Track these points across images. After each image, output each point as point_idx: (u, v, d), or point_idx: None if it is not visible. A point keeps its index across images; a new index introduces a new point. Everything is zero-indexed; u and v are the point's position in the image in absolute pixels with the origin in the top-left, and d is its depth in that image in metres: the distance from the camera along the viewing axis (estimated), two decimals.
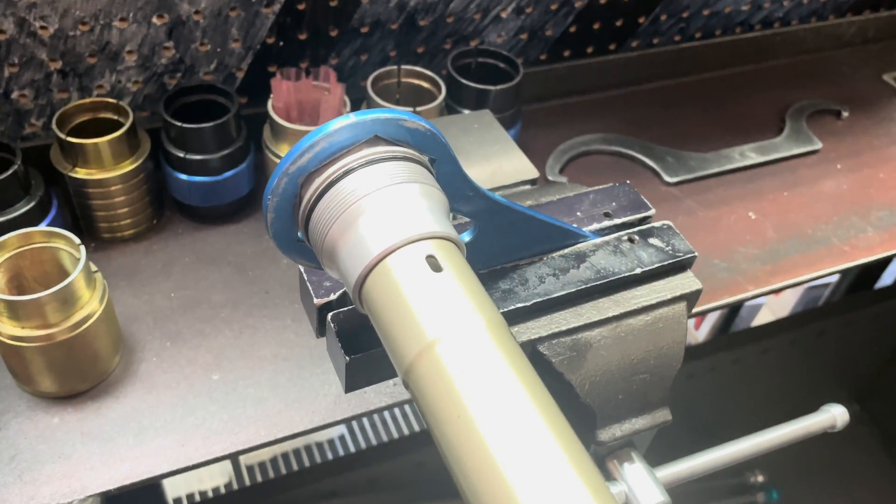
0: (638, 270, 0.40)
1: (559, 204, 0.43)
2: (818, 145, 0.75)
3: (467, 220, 0.37)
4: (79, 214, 0.57)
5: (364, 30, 0.68)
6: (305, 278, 0.38)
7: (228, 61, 0.65)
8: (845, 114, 0.80)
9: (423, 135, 0.31)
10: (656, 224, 0.43)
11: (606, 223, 0.42)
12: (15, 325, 0.45)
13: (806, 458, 1.19)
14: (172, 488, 1.04)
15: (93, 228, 0.58)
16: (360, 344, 0.35)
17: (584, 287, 0.39)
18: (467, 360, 0.26)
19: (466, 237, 0.37)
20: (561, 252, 0.40)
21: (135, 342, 0.52)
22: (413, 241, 0.28)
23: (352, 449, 1.15)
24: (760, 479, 1.13)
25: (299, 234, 0.32)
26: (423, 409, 0.27)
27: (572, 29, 0.78)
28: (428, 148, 0.32)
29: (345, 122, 0.29)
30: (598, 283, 0.39)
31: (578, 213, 0.43)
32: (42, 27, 0.56)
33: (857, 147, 0.76)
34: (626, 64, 0.81)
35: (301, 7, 0.64)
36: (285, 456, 1.14)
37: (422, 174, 0.30)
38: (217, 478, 1.08)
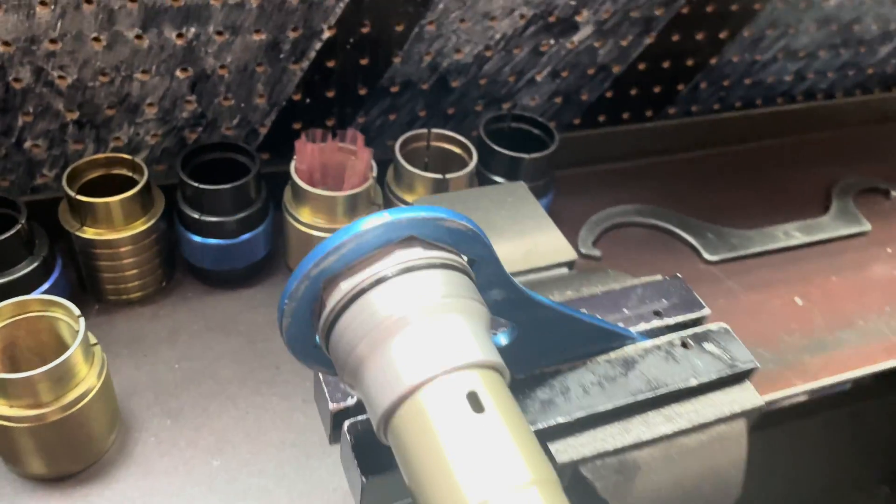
0: (693, 382, 0.36)
1: (603, 299, 0.39)
2: (867, 226, 0.71)
3: (503, 320, 0.33)
4: (84, 275, 0.54)
5: (394, 89, 0.66)
6: (321, 378, 0.34)
7: (252, 117, 0.62)
8: (894, 193, 0.76)
9: (464, 235, 0.27)
10: (712, 327, 0.39)
11: (656, 323, 0.38)
12: (3, 403, 0.41)
13: None
14: None
15: (98, 289, 0.55)
16: (380, 461, 0.31)
17: (632, 400, 0.35)
18: None
19: (503, 340, 0.34)
20: (607, 356, 0.36)
21: (132, 419, 0.48)
22: (452, 372, 0.24)
23: None
24: None
25: (318, 339, 0.29)
26: None
27: (609, 94, 0.75)
28: (469, 249, 0.28)
29: (378, 221, 0.26)
30: (649, 395, 0.35)
31: (625, 311, 0.39)
32: (60, 77, 0.54)
33: None
34: (664, 132, 0.77)
35: (330, 65, 0.61)
36: None
37: (463, 286, 0.26)
38: None
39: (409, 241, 0.26)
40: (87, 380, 0.43)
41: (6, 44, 0.51)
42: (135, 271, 0.54)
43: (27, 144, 0.57)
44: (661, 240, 0.68)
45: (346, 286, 0.26)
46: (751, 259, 0.67)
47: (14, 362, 0.44)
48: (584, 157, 0.74)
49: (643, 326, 0.38)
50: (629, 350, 0.37)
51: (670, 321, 0.39)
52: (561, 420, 0.33)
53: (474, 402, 0.24)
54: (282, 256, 0.61)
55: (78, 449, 0.44)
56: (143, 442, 0.47)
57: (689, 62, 0.76)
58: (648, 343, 0.37)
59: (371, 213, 0.26)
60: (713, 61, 0.77)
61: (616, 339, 0.37)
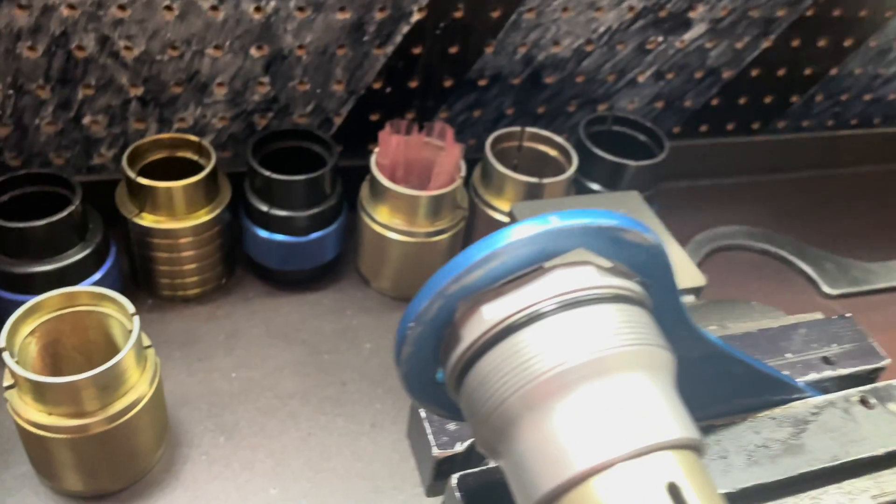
0: (880, 451, 0.29)
1: (759, 338, 0.32)
2: None
3: None
4: (138, 266, 0.49)
5: (482, 82, 0.59)
6: (423, 416, 0.27)
7: (327, 104, 0.57)
8: None
9: (644, 252, 0.21)
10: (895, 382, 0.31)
11: (828, 373, 0.31)
12: (41, 409, 0.35)
13: None
14: None
15: (152, 283, 0.49)
16: None
17: (807, 470, 0.28)
18: None
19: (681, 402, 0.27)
20: (771, 413, 0.29)
21: (182, 433, 0.43)
22: (643, 455, 0.17)
23: None
24: None
25: (440, 375, 0.22)
26: None
27: (714, 102, 0.67)
28: (644, 270, 0.22)
29: (541, 228, 0.19)
30: (828, 465, 0.28)
31: (788, 355, 0.32)
32: (126, 48, 0.49)
33: None
34: (773, 147, 0.70)
35: (417, 51, 0.55)
36: None
37: (647, 327, 0.20)
38: None
39: (577, 260, 0.20)
40: (138, 387, 0.37)
41: (71, 7, 0.46)
42: (193, 265, 0.49)
43: (86, 120, 0.52)
44: (774, 267, 0.60)
45: (492, 316, 0.19)
46: (876, 295, 0.59)
47: (57, 362, 0.39)
48: (684, 169, 0.67)
49: (812, 376, 0.31)
50: (798, 406, 0.30)
51: (844, 371, 0.31)
52: (721, 492, 0.26)
53: (676, 497, 0.17)
54: (352, 260, 0.55)
55: (120, 465, 0.39)
56: (193, 460, 0.42)
57: (808, 71, 0.68)
58: (821, 399, 0.30)
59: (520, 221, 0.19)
60: (833, 72, 0.69)
61: (782, 390, 0.30)
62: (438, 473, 0.27)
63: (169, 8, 0.48)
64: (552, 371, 0.18)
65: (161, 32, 0.49)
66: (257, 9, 0.50)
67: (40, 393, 0.35)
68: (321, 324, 0.50)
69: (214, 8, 0.49)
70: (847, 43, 0.67)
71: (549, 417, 0.18)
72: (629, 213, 0.45)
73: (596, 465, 0.17)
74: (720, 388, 0.29)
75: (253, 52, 0.52)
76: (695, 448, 0.19)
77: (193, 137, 0.48)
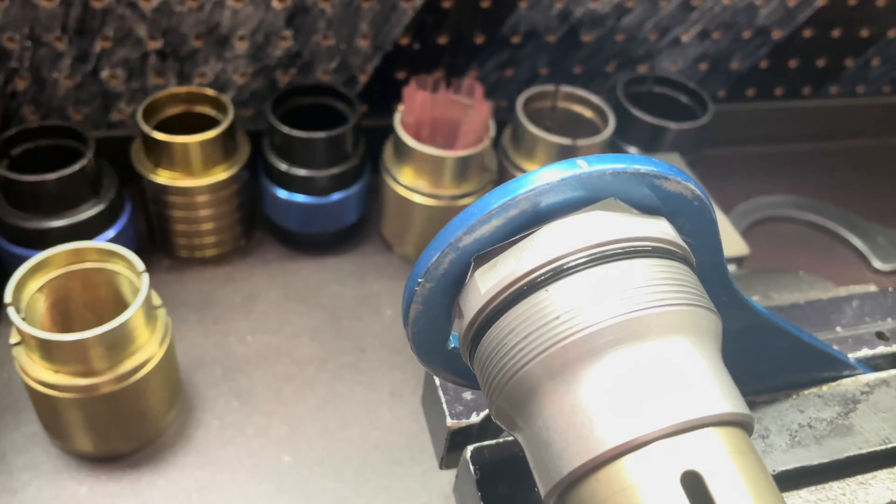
0: None
1: (808, 310, 0.29)
2: None
3: None
4: (154, 225, 0.47)
5: (515, 39, 0.57)
6: (436, 383, 0.25)
7: (352, 61, 0.54)
8: None
9: (685, 204, 0.18)
10: None
11: (882, 349, 0.29)
12: (48, 368, 0.34)
13: None
14: None
15: (169, 243, 0.48)
16: (509, 501, 0.23)
17: (855, 454, 0.25)
18: None
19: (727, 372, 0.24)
20: (817, 390, 0.27)
21: (195, 396, 0.42)
22: (685, 431, 0.15)
23: None
24: None
25: (453, 338, 0.20)
26: None
27: (763, 64, 0.63)
28: (685, 226, 0.19)
29: (568, 172, 0.17)
30: (877, 449, 0.25)
31: (839, 329, 0.29)
32: None
33: None
34: (825, 113, 0.66)
35: (446, 5, 0.53)
36: None
37: (691, 286, 0.17)
38: None
39: (610, 208, 0.17)
40: (148, 347, 0.36)
41: None
42: (211, 225, 0.47)
43: (104, 74, 0.50)
44: (820, 241, 0.57)
45: (511, 269, 0.17)
46: None
47: (66, 320, 0.38)
48: (728, 135, 0.63)
49: (864, 352, 0.28)
50: (847, 384, 0.27)
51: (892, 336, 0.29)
52: None
53: (696, 486, 0.15)
54: (374, 224, 0.53)
55: (131, 426, 0.38)
56: (206, 425, 0.40)
57: (864, 33, 0.63)
58: (872, 376, 0.27)
59: (553, 164, 0.17)
60: (892, 34, 0.64)
61: (831, 366, 0.27)
62: (452, 445, 0.25)
63: None
64: (579, 333, 0.16)
65: None
66: None
67: (47, 350, 0.34)
68: (341, 289, 0.49)
69: None
70: None
71: (575, 386, 0.16)
72: None
73: (630, 441, 0.15)
74: (763, 362, 0.26)
75: (275, 3, 0.50)
76: (742, 425, 0.16)
77: (211, 91, 0.46)
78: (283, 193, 0.47)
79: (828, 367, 0.27)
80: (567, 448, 0.16)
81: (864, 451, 0.26)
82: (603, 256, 0.17)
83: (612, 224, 0.17)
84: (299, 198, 0.47)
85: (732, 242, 0.37)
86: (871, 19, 0.63)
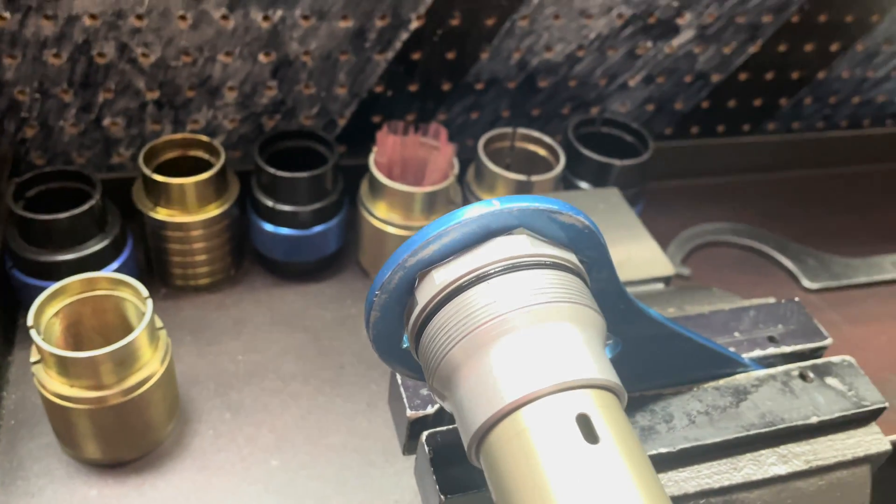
0: (814, 419, 0.32)
1: (711, 319, 0.35)
2: None
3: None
4: (153, 257, 0.53)
5: (479, 86, 0.63)
6: (399, 381, 0.31)
7: (331, 107, 0.60)
8: None
9: (578, 232, 0.24)
10: (834, 359, 0.34)
11: (772, 350, 0.34)
12: (64, 382, 0.39)
13: None
14: None
15: (166, 273, 0.53)
16: (461, 480, 0.28)
17: (744, 434, 0.31)
18: None
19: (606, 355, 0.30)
20: (715, 384, 0.32)
21: (192, 410, 0.46)
22: (563, 390, 0.21)
23: None
24: None
25: (406, 339, 0.26)
26: None
27: (705, 104, 0.70)
28: (582, 248, 0.25)
29: (485, 210, 0.23)
30: (763, 430, 0.31)
31: (736, 334, 0.35)
32: (143, 55, 0.53)
33: None
34: (762, 148, 0.72)
35: (416, 57, 0.59)
36: None
37: (578, 290, 0.23)
38: None
39: (517, 234, 0.23)
40: (151, 364, 0.41)
41: (93, 17, 0.50)
42: (204, 257, 0.52)
43: (106, 122, 0.56)
44: (756, 263, 0.63)
45: (442, 280, 0.22)
46: (855, 290, 0.61)
47: (78, 341, 0.43)
48: (675, 169, 0.70)
49: (756, 353, 0.34)
50: (741, 378, 0.33)
51: (787, 349, 0.34)
52: (663, 450, 0.30)
53: (587, 428, 0.20)
54: (353, 253, 0.59)
55: (135, 436, 0.42)
56: (202, 434, 0.45)
57: (795, 75, 0.70)
58: (762, 372, 0.33)
59: (475, 203, 0.23)
60: (821, 76, 0.71)
61: (726, 364, 0.33)
62: (412, 433, 0.30)
63: (183, 17, 0.52)
64: (489, 322, 0.21)
65: (175, 40, 0.53)
66: (265, 18, 0.53)
67: (63, 367, 0.39)
68: (323, 312, 0.54)
69: (225, 17, 0.53)
70: (834, 47, 0.69)
71: (484, 362, 0.21)
72: (607, 209, 0.48)
73: (523, 397, 0.20)
74: (671, 362, 0.32)
75: (261, 57, 0.56)
76: (614, 392, 0.22)
77: (204, 137, 0.52)
78: (269, 227, 0.53)
79: (725, 365, 0.33)
80: (479, 407, 0.21)
81: (751, 432, 0.31)
82: (512, 266, 0.22)
83: (520, 244, 0.23)
84: (284, 231, 0.53)
85: (660, 264, 0.43)
86: (801, 63, 0.70)
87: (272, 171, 0.51)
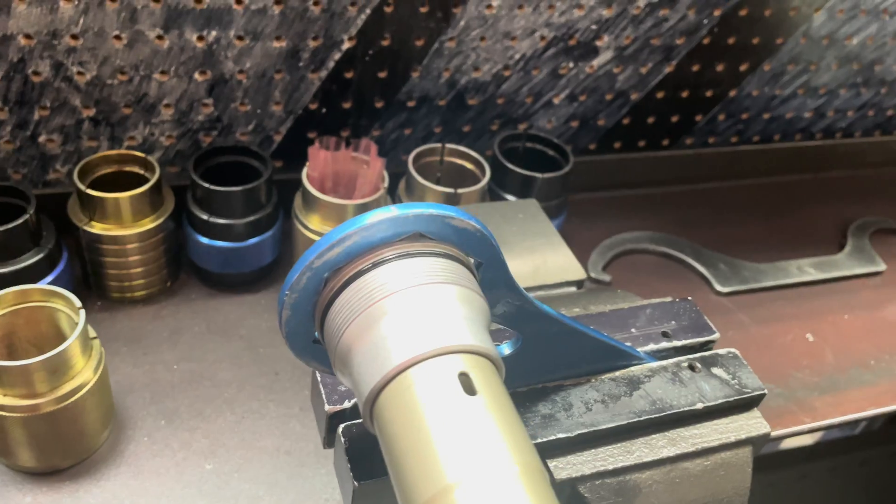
0: (699, 405, 0.35)
1: (612, 317, 0.38)
2: (882, 266, 0.70)
3: (508, 330, 0.33)
4: (89, 271, 0.54)
5: (411, 104, 0.66)
6: (318, 379, 0.33)
7: (267, 124, 0.62)
8: None
9: (471, 235, 0.27)
10: (721, 351, 0.38)
11: (665, 344, 0.38)
12: None
13: None
14: None
15: (102, 286, 0.54)
16: (374, 467, 0.30)
17: (636, 420, 0.34)
18: None
19: (506, 349, 0.33)
20: (612, 375, 0.35)
21: (127, 417, 0.48)
22: (445, 353, 0.23)
23: None
24: None
25: (317, 334, 0.28)
26: None
27: (625, 121, 0.74)
28: (475, 250, 0.27)
29: (384, 216, 0.25)
30: (653, 416, 0.34)
31: (633, 330, 0.38)
32: (79, 73, 0.54)
33: None
34: (680, 161, 0.77)
35: (349, 75, 0.62)
36: None
37: (464, 276, 0.26)
38: None
39: (414, 237, 0.26)
40: (84, 373, 0.42)
41: (28, 37, 0.51)
42: (140, 269, 0.54)
43: (42, 139, 0.57)
44: (673, 269, 0.67)
45: (343, 272, 0.25)
46: (763, 293, 0.66)
47: (12, 352, 0.44)
48: (598, 182, 0.74)
49: (651, 347, 0.37)
50: (635, 370, 0.36)
51: (678, 343, 0.38)
52: (561, 436, 0.32)
53: (466, 383, 0.23)
54: (288, 264, 0.61)
55: (69, 443, 0.44)
56: (136, 441, 0.46)
57: (708, 93, 0.75)
58: (655, 364, 0.36)
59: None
60: (732, 94, 0.76)
61: (622, 357, 0.36)
62: (331, 427, 0.33)
63: (118, 37, 0.53)
64: (381, 300, 0.24)
65: (111, 59, 0.54)
66: (200, 38, 0.55)
67: None
68: (258, 321, 0.56)
69: (160, 37, 0.54)
70: (743, 67, 0.75)
71: (376, 333, 0.24)
72: (525, 218, 0.51)
73: (410, 358, 0.23)
74: (571, 356, 0.35)
75: (197, 76, 0.57)
76: (491, 360, 0.25)
77: (139, 153, 0.53)
78: (204, 240, 0.55)
79: (621, 358, 0.36)
80: (371, 372, 0.24)
81: (643, 418, 0.34)
82: (405, 254, 0.25)
83: (414, 241, 0.26)
84: (219, 243, 0.55)
85: (572, 269, 0.46)
86: (713, 82, 0.75)
87: (206, 185, 0.52)
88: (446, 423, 0.23)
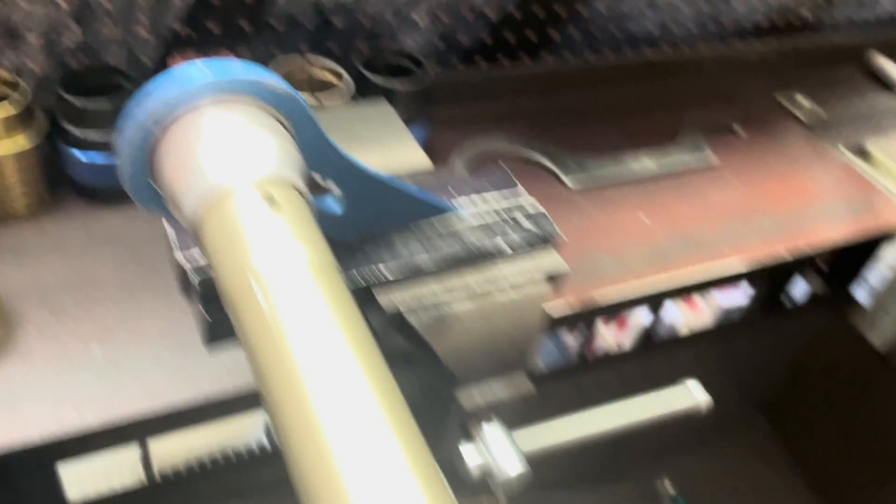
0: (507, 249, 0.42)
1: (431, 179, 0.45)
2: (713, 159, 0.79)
3: (339, 193, 0.38)
4: None
5: (279, 27, 0.70)
6: (167, 229, 0.38)
7: (138, 49, 0.65)
8: (740, 131, 0.84)
9: (283, 97, 0.32)
10: (529, 209, 0.45)
11: (480, 204, 0.44)
12: None
13: (714, 472, 1.22)
14: (76, 488, 1.01)
15: None
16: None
17: (452, 259, 0.40)
18: (287, 298, 0.27)
19: (337, 209, 0.39)
20: (432, 225, 0.42)
21: (15, 315, 0.52)
22: (259, 181, 0.29)
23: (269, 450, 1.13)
24: (670, 489, 1.16)
25: (152, 182, 0.33)
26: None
27: (487, 40, 0.80)
28: (288, 111, 0.33)
29: (198, 70, 0.30)
30: (467, 256, 0.41)
31: (450, 189, 0.44)
32: None
33: (750, 163, 0.81)
34: (538, 75, 0.84)
35: (215, 2, 0.65)
36: (201, 462, 1.12)
37: (273, 125, 0.31)
38: (127, 477, 1.05)
39: (231, 94, 0.31)
40: None
41: None
42: (19, 188, 0.57)
43: None
44: (531, 170, 0.74)
45: (165, 120, 0.30)
46: (609, 188, 0.74)
47: None
48: (462, 96, 0.80)
49: (468, 206, 0.44)
50: (451, 219, 0.42)
51: (493, 202, 0.44)
52: (387, 274, 0.39)
53: (270, 199, 0.29)
54: None
55: None
56: (26, 333, 0.51)
57: (562, 11, 0.82)
58: (470, 216, 0.43)
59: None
60: (585, 13, 0.83)
61: (438, 211, 0.42)
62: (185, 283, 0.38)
63: None
64: (198, 136, 0.30)
65: None
66: None
67: None
68: (139, 228, 0.60)
69: None
70: None
71: (195, 162, 0.29)
72: (376, 115, 0.57)
73: (224, 184, 0.29)
74: (394, 212, 0.41)
75: (61, 3, 0.60)
76: (297, 189, 0.30)
77: (6, 74, 0.56)
78: (79, 154, 0.58)
79: (437, 212, 0.42)
80: (193, 196, 0.29)
81: (457, 258, 0.41)
82: (220, 101, 0.30)
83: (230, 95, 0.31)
84: (94, 157, 0.58)
85: (418, 160, 0.52)
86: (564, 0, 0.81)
87: (73, 99, 0.56)
88: (251, 233, 0.28)
